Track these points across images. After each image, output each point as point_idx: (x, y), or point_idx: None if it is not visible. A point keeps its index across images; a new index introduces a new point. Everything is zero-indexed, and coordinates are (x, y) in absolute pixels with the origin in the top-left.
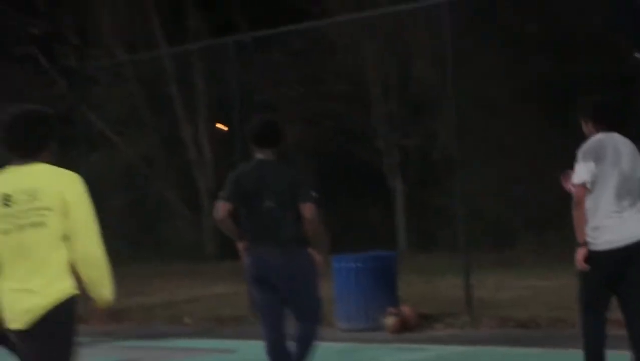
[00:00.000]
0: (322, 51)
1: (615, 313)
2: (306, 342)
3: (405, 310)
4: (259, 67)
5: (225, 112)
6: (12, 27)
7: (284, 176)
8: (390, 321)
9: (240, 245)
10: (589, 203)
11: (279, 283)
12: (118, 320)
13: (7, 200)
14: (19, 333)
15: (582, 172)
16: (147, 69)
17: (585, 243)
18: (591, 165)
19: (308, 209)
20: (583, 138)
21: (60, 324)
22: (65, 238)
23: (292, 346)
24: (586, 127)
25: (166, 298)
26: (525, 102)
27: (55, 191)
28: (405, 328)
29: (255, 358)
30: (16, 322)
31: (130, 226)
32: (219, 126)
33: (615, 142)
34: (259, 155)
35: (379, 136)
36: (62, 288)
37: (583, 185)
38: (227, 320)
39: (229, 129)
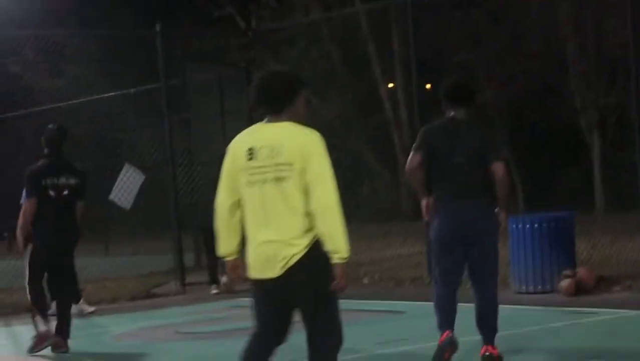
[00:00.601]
0: (518, 8)
1: None
2: (489, 309)
3: (582, 272)
4: (455, 25)
5: (421, 71)
6: None
7: (475, 134)
8: (565, 283)
9: (424, 203)
10: None
11: (463, 241)
12: None
13: (251, 154)
14: (266, 281)
15: None
16: (343, 28)
17: None
18: None
19: (498, 168)
20: None
21: (309, 269)
22: (305, 190)
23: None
24: None
25: (352, 259)
26: None
27: (295, 147)
28: (582, 291)
29: (422, 319)
30: (264, 272)
31: None
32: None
33: None
34: (452, 113)
35: (576, 95)
36: (305, 237)
37: None
38: (405, 280)
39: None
